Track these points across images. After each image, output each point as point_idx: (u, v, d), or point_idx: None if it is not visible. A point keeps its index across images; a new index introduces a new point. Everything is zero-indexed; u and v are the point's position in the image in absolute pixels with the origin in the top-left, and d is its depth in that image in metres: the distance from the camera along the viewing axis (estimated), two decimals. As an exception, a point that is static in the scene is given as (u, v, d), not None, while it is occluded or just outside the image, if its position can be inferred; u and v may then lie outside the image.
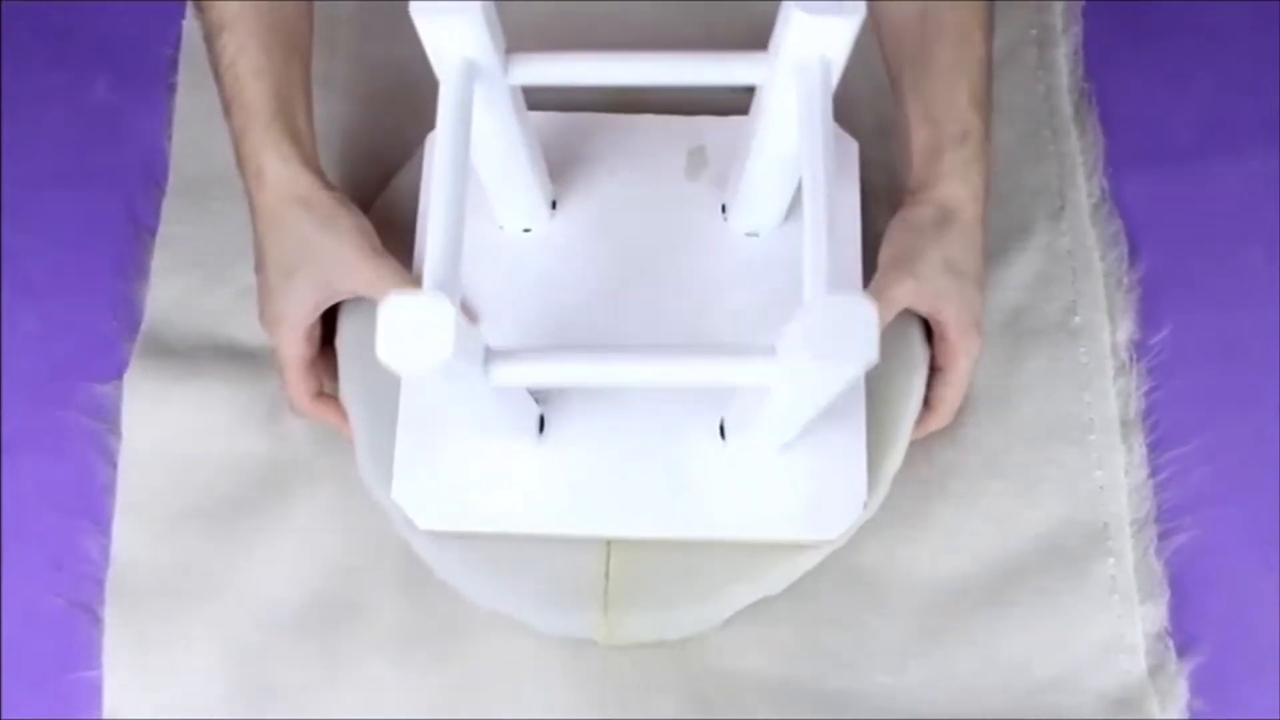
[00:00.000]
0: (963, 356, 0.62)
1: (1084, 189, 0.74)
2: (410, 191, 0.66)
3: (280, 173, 0.58)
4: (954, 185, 0.60)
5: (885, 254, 0.60)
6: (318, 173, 0.60)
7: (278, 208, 0.58)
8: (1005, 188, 0.73)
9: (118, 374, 0.69)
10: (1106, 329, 0.71)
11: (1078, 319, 0.71)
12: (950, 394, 0.64)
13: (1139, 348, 0.70)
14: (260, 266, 0.60)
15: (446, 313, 0.41)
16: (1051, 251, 0.73)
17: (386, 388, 0.64)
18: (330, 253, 0.58)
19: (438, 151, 0.46)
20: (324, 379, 0.64)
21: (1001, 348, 0.70)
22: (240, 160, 0.59)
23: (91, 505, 0.67)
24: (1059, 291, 0.72)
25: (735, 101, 0.65)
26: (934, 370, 0.64)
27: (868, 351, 0.42)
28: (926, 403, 0.65)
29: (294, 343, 0.61)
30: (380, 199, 0.68)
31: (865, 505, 0.61)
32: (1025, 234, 0.73)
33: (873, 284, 0.59)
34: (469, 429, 0.59)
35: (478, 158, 0.56)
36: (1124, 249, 0.72)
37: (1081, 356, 0.70)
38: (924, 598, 0.66)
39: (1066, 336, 0.71)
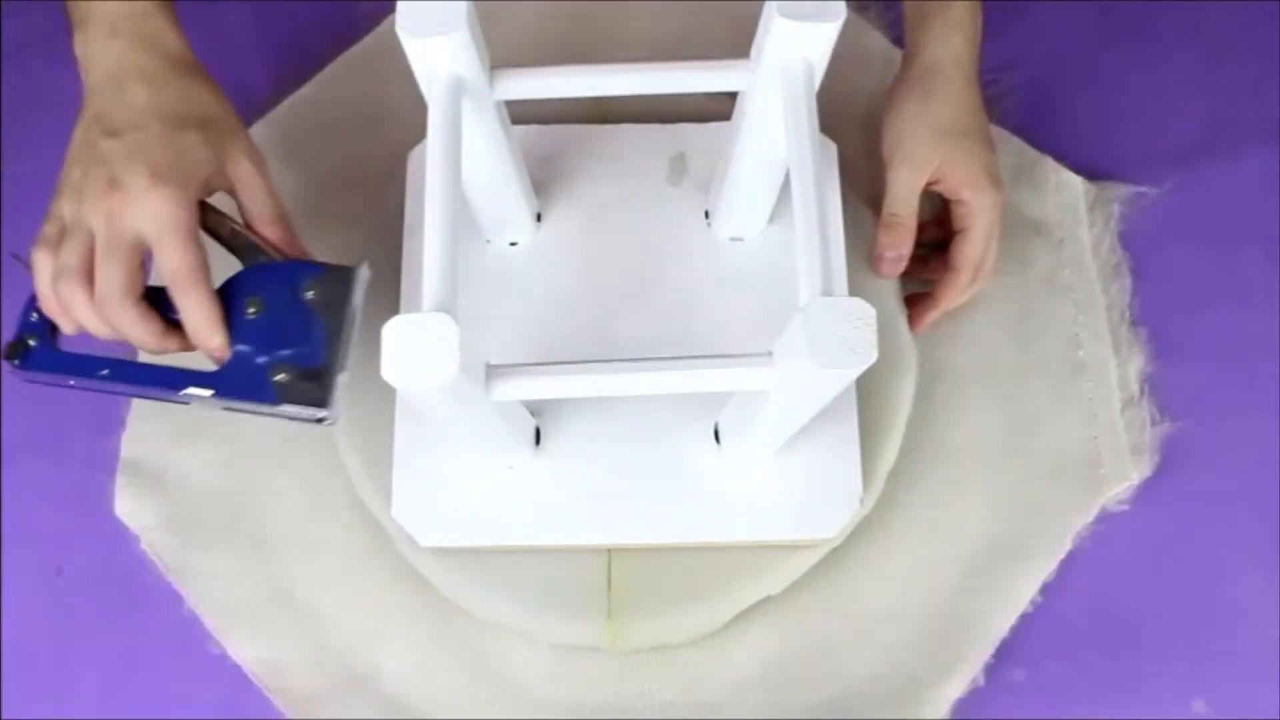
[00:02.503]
0: (980, 213, 0.62)
1: (1085, 220, 0.74)
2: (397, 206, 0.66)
3: (157, 25, 0.54)
4: (935, 49, 0.62)
5: (883, 150, 0.63)
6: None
7: (154, 62, 0.53)
8: (1007, 221, 0.72)
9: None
10: (1112, 362, 0.70)
11: (1082, 353, 0.70)
12: (972, 251, 0.64)
13: (1150, 379, 0.70)
14: (115, 116, 0.52)
15: (451, 332, 0.42)
16: (1053, 284, 0.72)
17: (377, 406, 0.64)
18: (223, 115, 0.55)
19: (430, 170, 0.47)
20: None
21: (1004, 384, 0.70)
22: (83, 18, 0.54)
23: (92, 508, 0.67)
24: (1062, 326, 0.71)
25: (714, 108, 0.66)
26: (956, 233, 0.64)
27: (867, 352, 0.42)
28: (950, 264, 0.65)
29: (188, 203, 0.51)
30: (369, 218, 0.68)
31: (861, 502, 0.62)
32: (1025, 266, 0.72)
33: (886, 183, 0.62)
34: (467, 444, 0.59)
35: (465, 174, 0.56)
36: (1127, 280, 0.72)
37: (1088, 391, 0.70)
38: (925, 594, 0.66)
39: (1071, 371, 0.70)
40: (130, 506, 0.67)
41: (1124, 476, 0.67)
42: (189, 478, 0.68)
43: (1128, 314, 0.71)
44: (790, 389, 0.47)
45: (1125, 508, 0.67)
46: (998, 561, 0.66)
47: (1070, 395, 0.69)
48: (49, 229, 0.52)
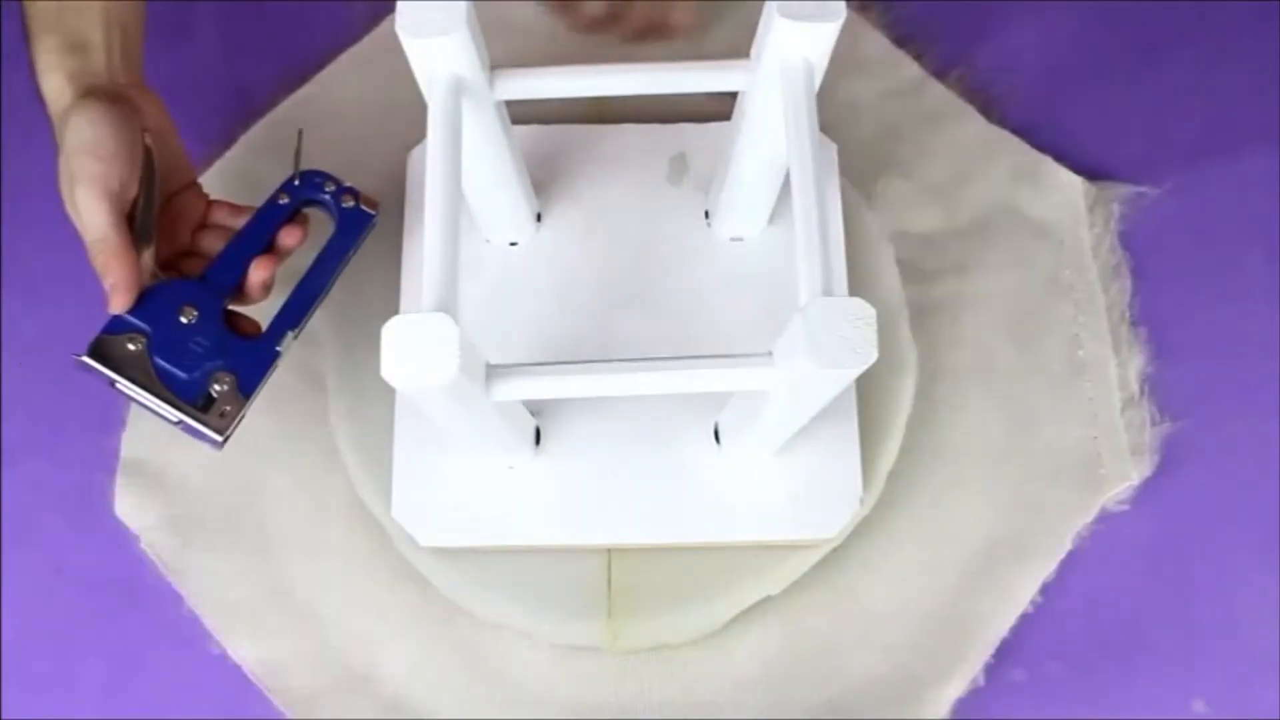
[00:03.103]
0: None
1: (1085, 220, 0.73)
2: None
3: (49, 88, 0.56)
4: None
5: None
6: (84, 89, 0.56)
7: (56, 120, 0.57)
8: (1007, 221, 0.73)
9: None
10: (1112, 362, 0.70)
11: (1082, 353, 0.70)
12: None
13: (1150, 379, 0.70)
14: None
15: (450, 332, 0.42)
16: (1053, 284, 0.72)
17: (376, 407, 0.64)
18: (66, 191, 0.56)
19: (430, 170, 0.46)
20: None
21: (1004, 384, 0.69)
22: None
23: (92, 508, 0.67)
24: (1062, 326, 0.71)
25: (714, 108, 0.66)
26: None
27: (867, 352, 0.42)
28: None
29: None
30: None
31: (861, 502, 0.62)
32: (1025, 266, 0.72)
33: None
34: (467, 445, 0.59)
35: (465, 174, 0.56)
36: (1127, 281, 0.72)
37: (1088, 391, 0.70)
38: (925, 594, 0.66)
39: (1071, 371, 0.70)
40: (130, 506, 0.67)
41: (1124, 476, 0.67)
42: (189, 478, 0.68)
43: (1128, 314, 0.71)
44: (790, 389, 0.47)
45: (1125, 508, 0.67)
46: (998, 561, 0.66)
47: (1070, 395, 0.69)
48: None
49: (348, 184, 0.62)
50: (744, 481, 0.61)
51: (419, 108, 0.49)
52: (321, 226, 0.62)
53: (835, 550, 0.64)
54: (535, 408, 0.61)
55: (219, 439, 0.55)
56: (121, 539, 0.67)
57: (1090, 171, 0.74)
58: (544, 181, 0.66)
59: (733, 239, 0.65)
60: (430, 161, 0.47)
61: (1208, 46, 0.77)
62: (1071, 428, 0.68)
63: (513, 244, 0.65)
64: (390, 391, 0.61)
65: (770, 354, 0.46)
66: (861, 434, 0.62)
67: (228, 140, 0.73)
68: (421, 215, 0.46)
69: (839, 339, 0.42)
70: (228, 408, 0.55)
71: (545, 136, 0.68)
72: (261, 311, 0.59)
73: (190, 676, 0.65)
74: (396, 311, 0.59)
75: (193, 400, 0.55)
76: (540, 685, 0.64)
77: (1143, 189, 0.73)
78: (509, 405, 0.54)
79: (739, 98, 0.55)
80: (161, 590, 0.66)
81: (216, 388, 0.55)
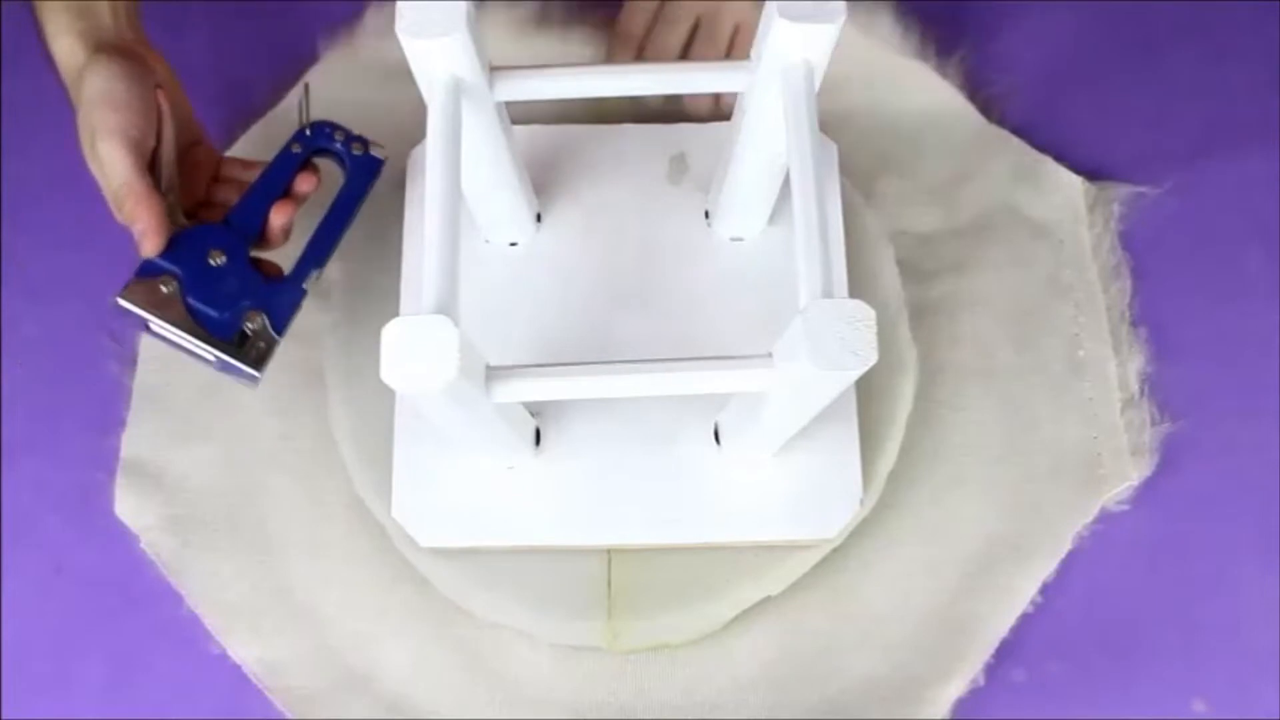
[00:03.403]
0: None
1: (1085, 220, 0.73)
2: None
3: (60, 51, 0.58)
4: None
5: None
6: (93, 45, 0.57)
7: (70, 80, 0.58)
8: (1006, 221, 0.73)
9: (118, 375, 0.70)
10: (1112, 362, 0.70)
11: (1082, 353, 0.70)
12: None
13: (1150, 379, 0.70)
14: None
15: (450, 334, 0.42)
16: (1053, 284, 0.71)
17: (376, 407, 0.64)
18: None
19: (429, 170, 0.47)
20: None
21: (1004, 384, 0.69)
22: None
23: (92, 508, 0.67)
24: (1062, 326, 0.71)
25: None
26: None
27: (867, 354, 0.42)
28: None
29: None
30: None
31: (861, 503, 0.62)
32: (1025, 266, 0.72)
33: None
34: (467, 445, 0.59)
35: (465, 174, 0.56)
36: (1127, 281, 0.72)
37: (1088, 391, 0.70)
38: (925, 594, 0.66)
39: (1071, 371, 0.70)
40: (130, 506, 0.67)
41: (1124, 476, 0.67)
42: (189, 478, 0.67)
43: (1128, 314, 0.71)
44: (790, 390, 0.47)
45: (1125, 508, 0.67)
46: (998, 561, 0.66)
47: (1070, 395, 0.69)
48: None
49: (357, 133, 0.63)
50: (744, 481, 0.61)
51: (419, 108, 0.49)
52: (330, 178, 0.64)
53: (835, 550, 0.64)
54: (535, 408, 0.61)
55: (256, 374, 0.57)
56: (121, 539, 0.67)
57: (1090, 171, 0.74)
58: (544, 181, 0.66)
59: (733, 239, 0.65)
60: (430, 162, 0.47)
61: (1207, 46, 0.77)
62: (1071, 428, 0.68)
63: (513, 244, 0.65)
64: (390, 391, 0.61)
65: (770, 355, 0.46)
66: (861, 434, 0.62)
67: (227, 140, 0.73)
68: (421, 215, 0.46)
69: (839, 341, 0.42)
70: (261, 344, 0.57)
71: (545, 136, 0.68)
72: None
73: (190, 676, 0.65)
74: (396, 312, 0.60)
75: (228, 338, 0.56)
76: (540, 685, 0.64)
77: (1143, 189, 0.73)
78: (509, 406, 0.54)
79: (739, 98, 0.55)
80: (161, 590, 0.66)
81: (249, 326, 0.57)
